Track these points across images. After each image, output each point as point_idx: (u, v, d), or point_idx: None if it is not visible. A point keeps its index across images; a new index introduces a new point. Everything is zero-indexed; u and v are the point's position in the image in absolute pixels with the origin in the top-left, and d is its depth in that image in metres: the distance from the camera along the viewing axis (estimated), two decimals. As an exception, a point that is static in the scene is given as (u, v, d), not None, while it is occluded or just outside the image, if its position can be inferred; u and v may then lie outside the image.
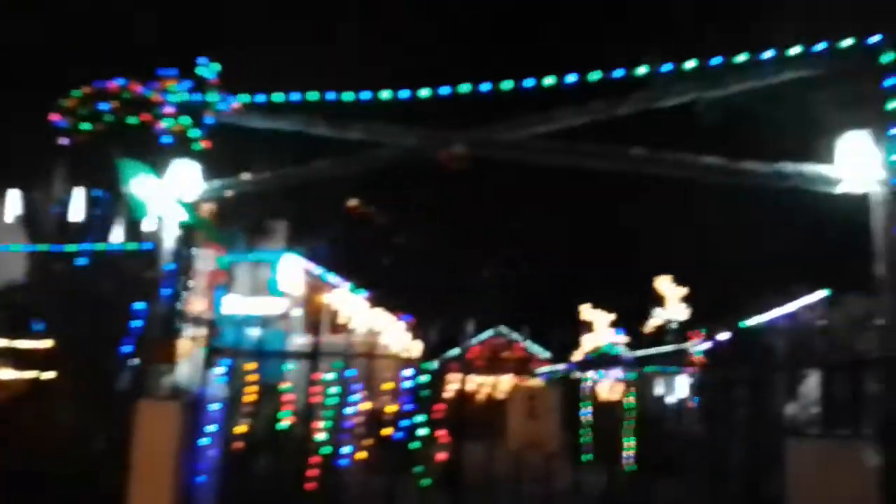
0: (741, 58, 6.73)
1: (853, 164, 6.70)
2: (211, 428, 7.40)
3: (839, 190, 6.85)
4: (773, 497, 6.47)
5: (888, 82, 6.49)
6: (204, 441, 7.28)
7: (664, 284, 24.11)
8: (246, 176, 8.23)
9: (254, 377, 7.38)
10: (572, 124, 7.07)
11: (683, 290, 23.81)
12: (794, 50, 6.72)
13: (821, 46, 6.65)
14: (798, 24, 7.02)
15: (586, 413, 16.58)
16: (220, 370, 7.45)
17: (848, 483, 6.02)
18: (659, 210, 24.33)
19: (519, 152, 7.28)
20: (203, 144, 8.18)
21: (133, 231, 9.37)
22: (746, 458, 7.19)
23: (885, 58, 6.50)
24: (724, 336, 11.55)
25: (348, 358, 6.93)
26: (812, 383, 7.36)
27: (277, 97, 7.78)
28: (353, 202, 19.30)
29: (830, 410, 6.50)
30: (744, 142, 7.44)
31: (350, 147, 7.70)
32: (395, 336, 13.59)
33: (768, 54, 6.72)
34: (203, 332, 7.79)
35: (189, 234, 8.71)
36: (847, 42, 6.62)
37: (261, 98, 7.96)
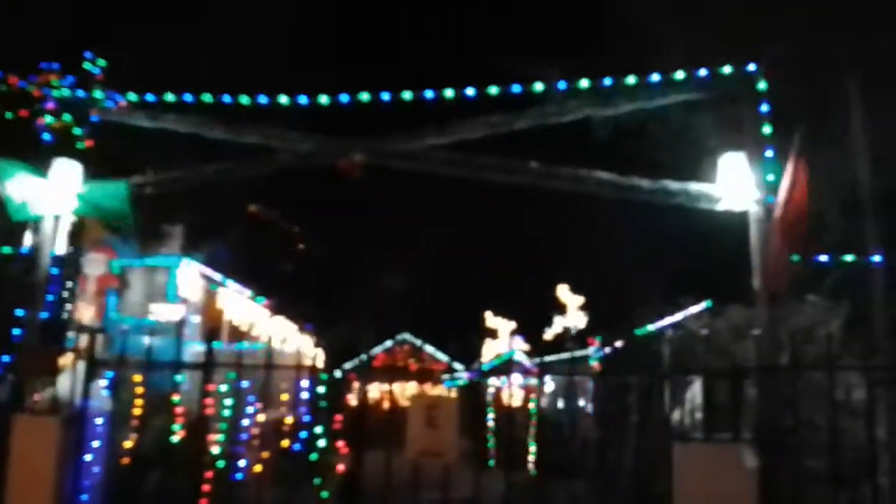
0: (630, 79, 7.00)
1: (732, 184, 7.06)
2: (95, 443, 7.01)
3: (720, 208, 7.19)
4: (661, 497, 6.67)
5: (762, 108, 6.90)
6: (86, 457, 6.89)
7: (564, 293, 24.75)
8: (137, 178, 7.86)
9: (141, 389, 7.03)
10: (470, 137, 7.15)
11: (581, 299, 24.53)
12: (679, 74, 7.05)
13: (703, 72, 7.00)
14: (685, 49, 7.38)
15: (490, 419, 16.73)
16: (103, 382, 7.07)
17: (728, 483, 6.32)
18: (558, 220, 25.03)
19: (417, 163, 7.30)
20: (87, 144, 7.75)
21: (11, 234, 8.78)
22: (637, 460, 7.42)
23: (760, 85, 6.90)
24: (617, 343, 11.93)
25: (243, 368, 6.70)
26: (696, 390, 7.69)
27: (168, 97, 7.47)
28: (254, 208, 18.83)
29: (713, 415, 6.77)
30: (635, 159, 7.74)
31: (248, 151, 7.51)
32: (298, 345, 13.33)
33: (655, 77, 7.02)
34: (87, 341, 7.35)
35: (76, 237, 8.25)
36: (726, 69, 7.00)
37: (151, 97, 7.62)
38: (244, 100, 7.17)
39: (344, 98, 7.01)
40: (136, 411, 7.21)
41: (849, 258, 7.11)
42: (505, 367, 17.43)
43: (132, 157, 8.20)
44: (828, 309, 7.79)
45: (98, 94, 7.73)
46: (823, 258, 7.29)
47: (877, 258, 6.14)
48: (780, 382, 6.66)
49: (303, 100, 7.02)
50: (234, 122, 7.45)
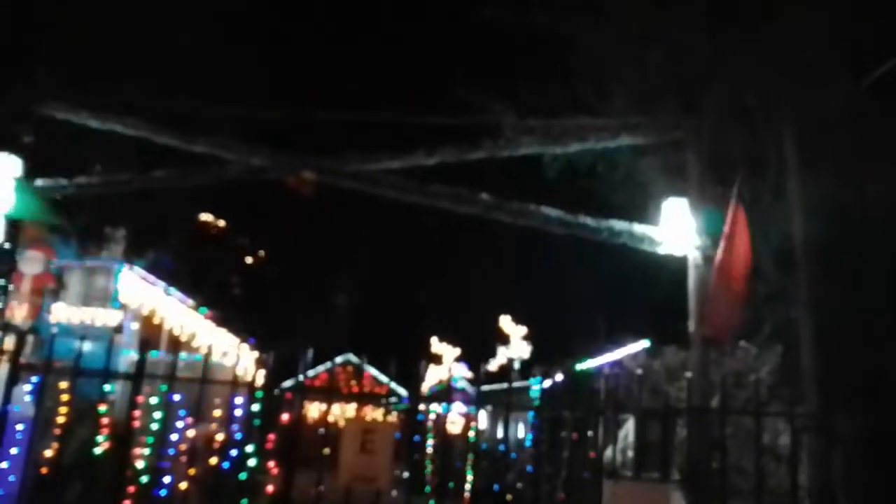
0: (582, 121, 7.12)
1: (673, 229, 7.21)
2: (13, 451, 6.69)
3: (662, 251, 7.32)
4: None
5: (704, 155, 7.04)
6: (2, 465, 6.57)
7: (507, 323, 24.90)
8: (81, 178, 7.61)
9: (67, 397, 6.74)
10: (423, 164, 7.16)
11: (524, 329, 24.69)
12: (626, 119, 7.19)
13: (647, 119, 7.16)
14: (632, 94, 7.53)
15: (429, 446, 16.58)
16: (27, 387, 6.76)
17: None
18: (506, 251, 25.27)
19: (369, 185, 7.26)
20: (28, 139, 7.48)
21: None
22: (569, 495, 7.43)
23: (701, 133, 7.05)
24: (557, 377, 11.98)
25: (175, 380, 6.48)
26: (629, 427, 7.75)
27: (115, 99, 7.27)
28: (204, 217, 18.47)
29: (643, 454, 6.82)
30: (584, 198, 7.86)
31: (197, 160, 7.35)
32: (238, 359, 13.02)
33: (603, 121, 7.15)
34: (14, 342, 7.02)
35: (13, 233, 7.93)
36: (668, 116, 7.18)
37: (99, 97, 7.40)
38: (194, 106, 7.03)
39: (298, 113, 6.94)
40: (60, 419, 6.90)
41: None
42: (447, 393, 17.36)
43: (76, 157, 7.95)
44: (758, 356, 7.96)
45: (41, 88, 7.47)
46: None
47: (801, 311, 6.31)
48: (709, 424, 6.73)
49: (257, 112, 6.92)
50: (184, 130, 7.30)
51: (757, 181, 7.79)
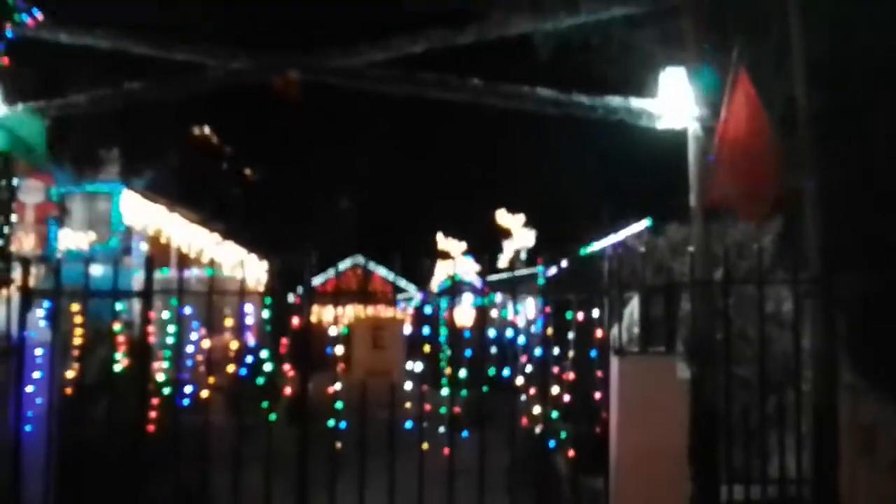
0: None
1: (672, 101, 6.92)
2: (36, 375, 6.77)
3: (661, 125, 7.07)
4: (599, 407, 6.81)
5: (704, 20, 6.63)
6: (28, 389, 6.67)
7: (502, 216, 24.79)
8: (59, 101, 7.30)
9: (80, 319, 6.76)
10: (410, 52, 6.81)
11: (521, 217, 24.56)
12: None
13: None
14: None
15: (443, 340, 16.88)
16: (40, 313, 6.76)
17: (663, 393, 6.53)
18: (503, 139, 24.78)
19: (355, 80, 6.95)
20: (3, 61, 7.12)
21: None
22: (578, 374, 7.57)
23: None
24: (562, 263, 12.01)
25: (185, 294, 6.48)
26: (634, 305, 7.78)
27: (89, 11, 6.86)
28: (198, 131, 18.02)
29: (649, 330, 6.88)
30: (579, 77, 7.52)
31: (177, 69, 7.01)
32: (247, 270, 13.12)
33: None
34: (26, 271, 6.99)
35: (7, 163, 7.73)
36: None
37: (72, 11, 6.98)
38: (170, 14, 6.63)
39: (277, 11, 6.54)
40: (77, 341, 6.96)
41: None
42: (457, 287, 17.55)
43: (52, 80, 7.60)
44: (760, 224, 7.87)
45: (10, 6, 7.04)
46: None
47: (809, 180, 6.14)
48: (713, 296, 6.73)
49: (234, 14, 6.52)
50: (161, 38, 6.92)
51: (758, 46, 7.44)
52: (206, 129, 18.87)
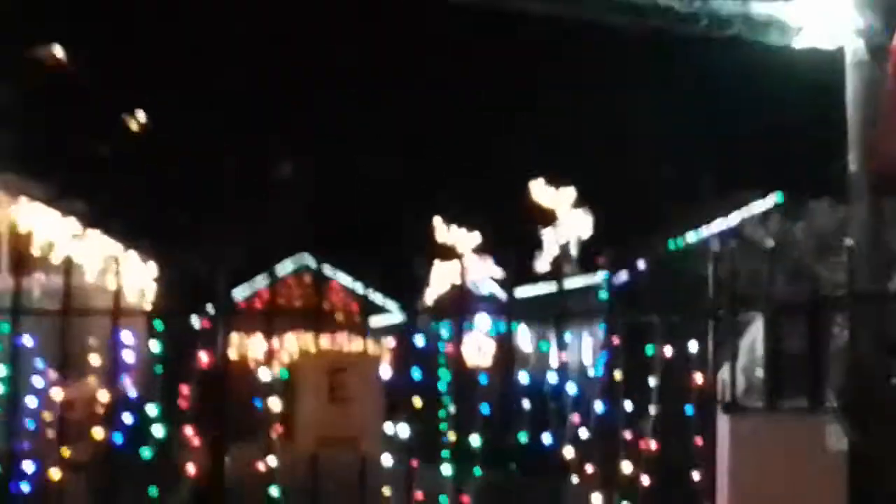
0: None
1: (819, 3, 6.97)
2: None
3: (799, 43, 7.14)
4: (699, 496, 6.89)
5: None
6: None
7: (540, 190, 24.75)
8: None
9: None
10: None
11: (571, 193, 24.62)
12: None
13: None
14: None
15: (443, 388, 16.93)
16: None
17: (801, 474, 6.49)
18: (548, 72, 24.89)
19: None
20: None
21: None
22: (664, 443, 7.65)
23: None
24: (638, 266, 12.11)
25: (22, 315, 6.50)
26: (756, 333, 7.79)
27: None
28: (41, 52, 17.98)
29: (780, 373, 6.88)
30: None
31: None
32: (125, 277, 13.22)
33: None
34: None
35: None
36: None
37: None
38: None
39: None
40: None
41: None
42: (466, 303, 17.61)
43: None
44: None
45: None
46: None
47: None
48: (885, 319, 6.84)
49: None
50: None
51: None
52: (57, 51, 18.74)
